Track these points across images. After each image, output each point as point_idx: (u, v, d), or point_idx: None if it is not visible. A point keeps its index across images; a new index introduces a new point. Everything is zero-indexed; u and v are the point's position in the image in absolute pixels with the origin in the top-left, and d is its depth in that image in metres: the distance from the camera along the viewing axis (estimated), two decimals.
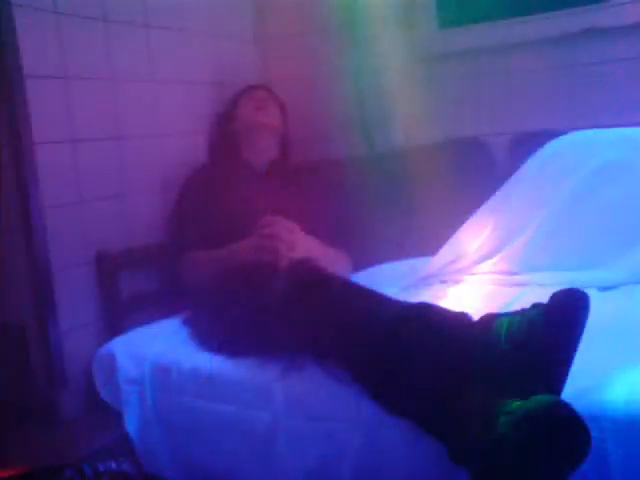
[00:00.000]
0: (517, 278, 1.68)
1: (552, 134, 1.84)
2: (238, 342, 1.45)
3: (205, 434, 1.40)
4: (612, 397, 1.03)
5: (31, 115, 1.55)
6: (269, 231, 1.62)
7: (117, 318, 1.75)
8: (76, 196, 1.69)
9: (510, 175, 1.84)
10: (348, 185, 2.05)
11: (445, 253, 1.80)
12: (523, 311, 1.08)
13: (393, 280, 1.76)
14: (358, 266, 1.90)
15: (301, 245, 1.65)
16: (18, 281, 1.60)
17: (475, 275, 1.76)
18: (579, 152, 1.76)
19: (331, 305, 1.27)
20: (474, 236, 1.80)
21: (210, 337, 1.53)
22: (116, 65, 1.81)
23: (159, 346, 1.54)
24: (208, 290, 1.66)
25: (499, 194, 1.82)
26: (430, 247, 1.83)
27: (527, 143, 1.90)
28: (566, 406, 0.93)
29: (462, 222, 1.82)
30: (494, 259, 1.75)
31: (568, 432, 0.91)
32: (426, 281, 1.78)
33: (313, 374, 1.29)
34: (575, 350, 1.01)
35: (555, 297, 1.05)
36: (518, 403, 0.95)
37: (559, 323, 1.02)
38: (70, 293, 1.65)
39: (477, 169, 1.99)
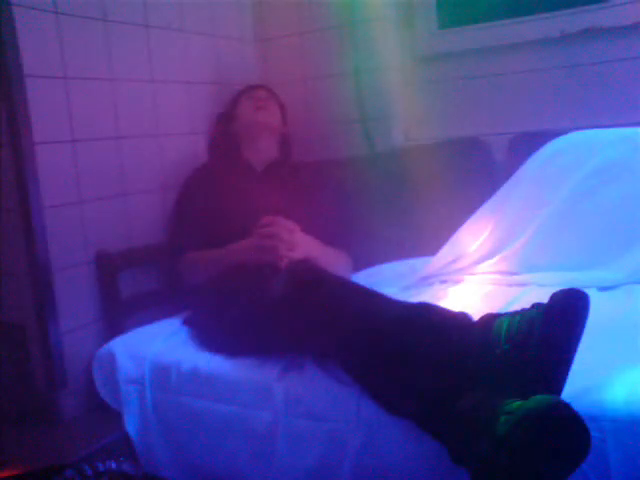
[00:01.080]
0: (517, 278, 1.68)
1: (552, 134, 1.84)
2: (238, 342, 1.45)
3: (205, 434, 1.40)
4: (612, 397, 1.03)
5: (31, 115, 1.55)
6: (269, 231, 1.62)
7: (117, 318, 1.75)
8: (76, 196, 1.69)
9: (510, 175, 1.84)
10: (348, 185, 2.05)
11: (445, 253, 1.80)
12: (523, 311, 1.08)
13: (393, 280, 1.76)
14: (358, 266, 1.89)
15: (301, 245, 1.65)
16: (18, 281, 1.60)
17: (475, 275, 1.76)
18: (579, 152, 1.76)
19: (331, 305, 1.27)
20: (474, 236, 1.80)
21: (210, 337, 1.53)
22: (116, 65, 1.81)
23: (159, 346, 1.54)
24: (208, 290, 1.66)
25: (499, 194, 1.82)
26: (430, 247, 1.83)
27: (527, 143, 1.89)
28: (566, 406, 0.93)
29: (462, 222, 1.81)
30: (494, 259, 1.75)
31: (568, 432, 0.91)
32: (426, 281, 1.78)
33: (313, 374, 1.29)
34: (575, 350, 1.01)
35: (555, 297, 1.05)
36: (518, 403, 0.95)
37: (559, 323, 1.02)
38: (70, 293, 1.65)
39: (477, 169, 1.99)
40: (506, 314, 1.11)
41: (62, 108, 1.66)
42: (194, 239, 1.81)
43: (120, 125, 1.83)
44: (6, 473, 1.34)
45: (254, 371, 1.36)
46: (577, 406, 0.93)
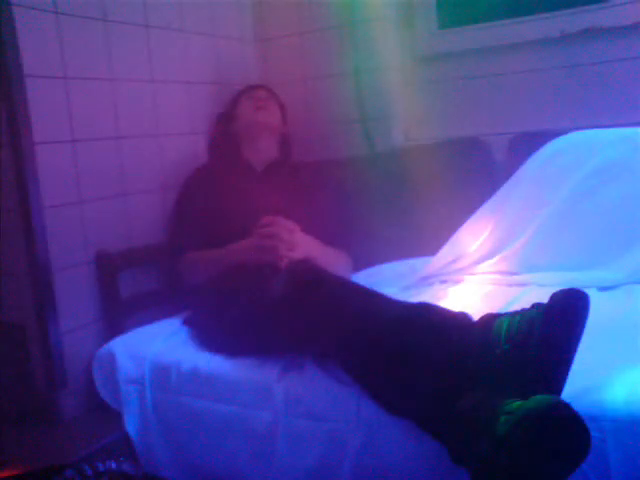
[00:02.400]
0: (517, 278, 1.68)
1: (552, 134, 1.84)
2: (238, 342, 1.45)
3: (205, 434, 1.40)
4: (612, 397, 1.03)
5: (31, 115, 1.55)
6: (269, 231, 1.62)
7: (117, 318, 1.75)
8: (76, 196, 1.69)
9: (510, 175, 1.84)
10: (348, 185, 2.05)
11: (445, 253, 1.80)
12: (523, 311, 1.08)
13: (393, 280, 1.76)
14: (358, 266, 1.90)
15: (301, 245, 1.65)
16: (18, 281, 1.60)
17: (475, 275, 1.76)
18: (579, 152, 1.76)
19: (331, 305, 1.27)
20: (474, 236, 1.80)
21: (210, 337, 1.53)
22: (116, 65, 1.81)
23: (159, 346, 1.54)
24: (208, 290, 1.66)
25: (499, 194, 1.82)
26: (430, 247, 1.83)
27: (527, 143, 1.89)
28: (566, 406, 0.93)
29: (462, 222, 1.81)
30: (494, 259, 1.75)
31: (568, 432, 0.91)
32: (426, 281, 1.78)
33: (313, 374, 1.29)
34: (575, 350, 1.01)
35: (555, 297, 1.05)
36: (518, 403, 0.95)
37: (559, 323, 1.02)
38: (70, 293, 1.65)
39: (477, 169, 1.99)
40: (506, 314, 1.11)
41: (62, 108, 1.66)
42: (194, 239, 1.81)
43: (120, 125, 1.83)
44: (6, 473, 1.34)
45: (254, 371, 1.36)
46: (577, 406, 0.93)
